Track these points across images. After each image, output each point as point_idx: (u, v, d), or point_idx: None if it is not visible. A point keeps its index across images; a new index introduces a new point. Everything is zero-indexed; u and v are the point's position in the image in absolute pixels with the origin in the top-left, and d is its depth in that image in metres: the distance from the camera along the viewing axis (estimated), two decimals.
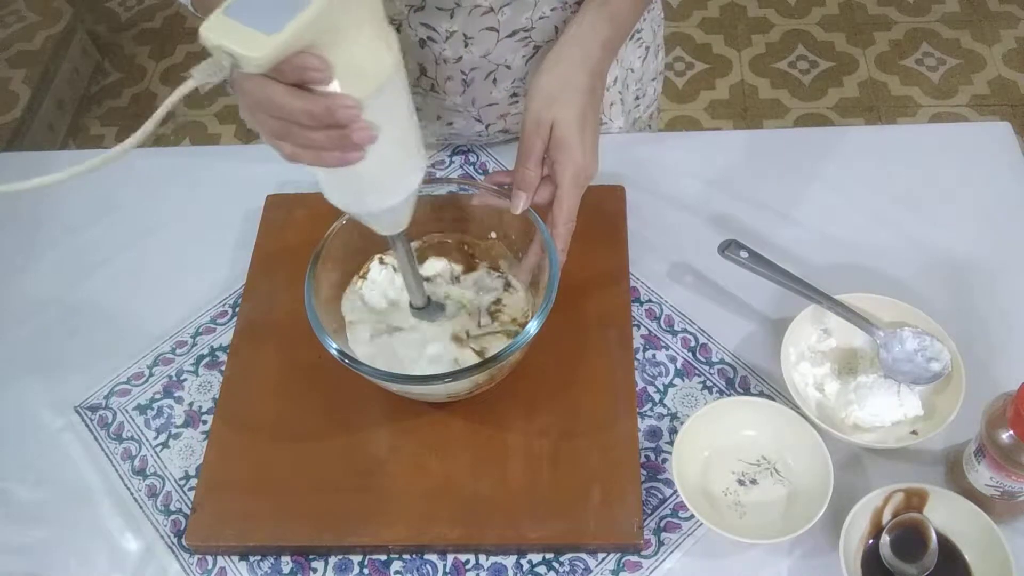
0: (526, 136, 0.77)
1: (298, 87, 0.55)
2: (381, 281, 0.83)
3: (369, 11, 0.56)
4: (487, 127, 0.98)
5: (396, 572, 0.76)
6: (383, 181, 0.64)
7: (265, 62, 0.52)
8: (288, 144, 0.59)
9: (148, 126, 0.52)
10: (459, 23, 0.85)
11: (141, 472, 0.82)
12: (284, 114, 0.56)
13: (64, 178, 0.52)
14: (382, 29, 0.57)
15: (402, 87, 0.60)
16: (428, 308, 0.79)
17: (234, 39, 0.51)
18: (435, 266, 0.84)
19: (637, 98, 1.07)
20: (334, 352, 0.73)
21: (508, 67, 0.90)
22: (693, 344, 0.86)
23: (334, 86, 0.55)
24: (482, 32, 0.86)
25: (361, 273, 0.84)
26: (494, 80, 0.92)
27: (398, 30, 0.88)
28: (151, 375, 0.88)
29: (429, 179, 0.97)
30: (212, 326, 0.91)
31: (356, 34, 0.55)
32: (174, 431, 0.84)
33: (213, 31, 0.52)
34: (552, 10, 0.86)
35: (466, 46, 0.87)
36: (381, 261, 0.84)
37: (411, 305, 0.79)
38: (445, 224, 0.86)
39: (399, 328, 0.81)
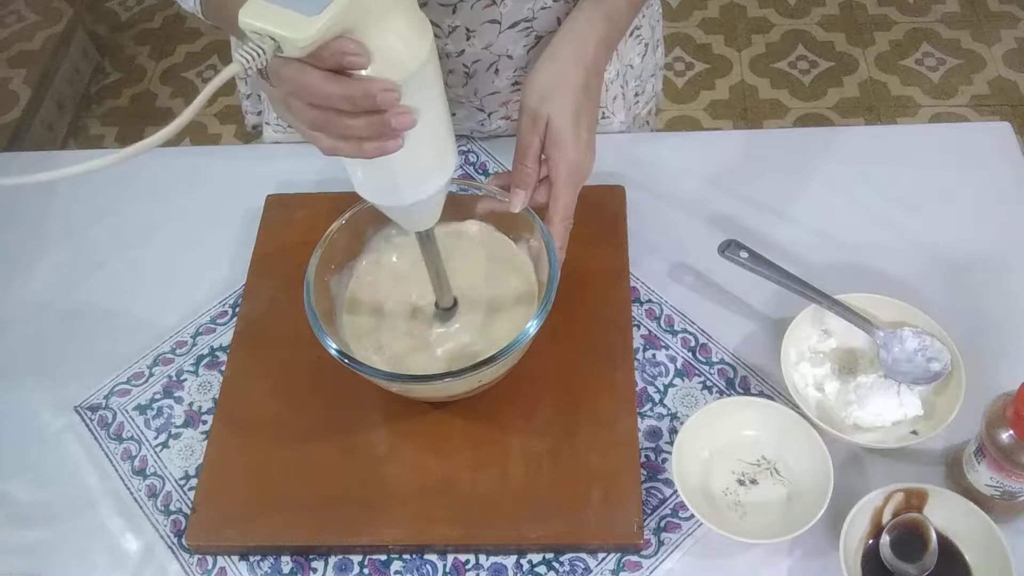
0: (522, 134, 0.77)
1: (335, 73, 0.55)
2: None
3: None
4: (489, 115, 0.99)
5: (396, 572, 0.76)
6: (419, 171, 0.64)
7: (308, 44, 0.52)
8: (326, 136, 0.58)
9: (191, 110, 0.52)
10: (461, 17, 0.85)
11: (141, 472, 0.82)
12: (322, 100, 0.56)
13: (111, 163, 0.51)
14: (416, 14, 0.57)
15: (436, 74, 0.60)
16: (453, 309, 0.79)
17: (275, 22, 0.51)
18: None
19: (636, 94, 1.07)
20: (334, 352, 0.73)
21: (510, 57, 0.91)
22: (693, 344, 0.86)
23: (370, 72, 0.55)
24: (484, 25, 0.86)
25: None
26: (496, 71, 0.92)
27: None
28: (151, 375, 0.88)
29: None
30: (212, 326, 0.91)
31: (391, 19, 0.55)
32: (174, 431, 0.84)
33: (252, 15, 0.52)
34: (554, 0, 0.86)
35: (468, 39, 0.87)
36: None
37: (436, 306, 0.79)
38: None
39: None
